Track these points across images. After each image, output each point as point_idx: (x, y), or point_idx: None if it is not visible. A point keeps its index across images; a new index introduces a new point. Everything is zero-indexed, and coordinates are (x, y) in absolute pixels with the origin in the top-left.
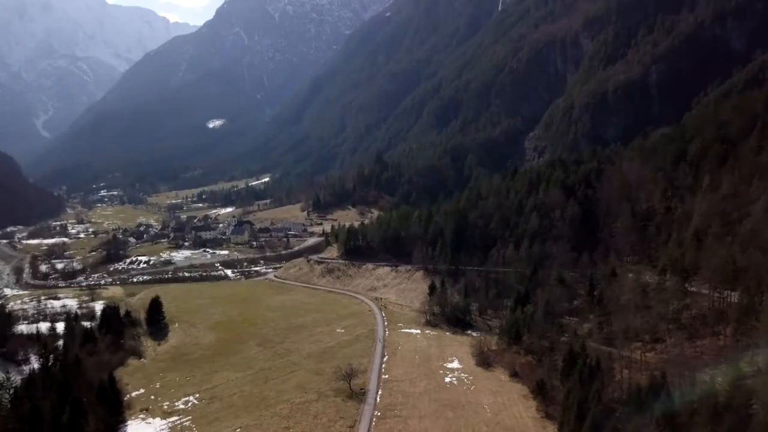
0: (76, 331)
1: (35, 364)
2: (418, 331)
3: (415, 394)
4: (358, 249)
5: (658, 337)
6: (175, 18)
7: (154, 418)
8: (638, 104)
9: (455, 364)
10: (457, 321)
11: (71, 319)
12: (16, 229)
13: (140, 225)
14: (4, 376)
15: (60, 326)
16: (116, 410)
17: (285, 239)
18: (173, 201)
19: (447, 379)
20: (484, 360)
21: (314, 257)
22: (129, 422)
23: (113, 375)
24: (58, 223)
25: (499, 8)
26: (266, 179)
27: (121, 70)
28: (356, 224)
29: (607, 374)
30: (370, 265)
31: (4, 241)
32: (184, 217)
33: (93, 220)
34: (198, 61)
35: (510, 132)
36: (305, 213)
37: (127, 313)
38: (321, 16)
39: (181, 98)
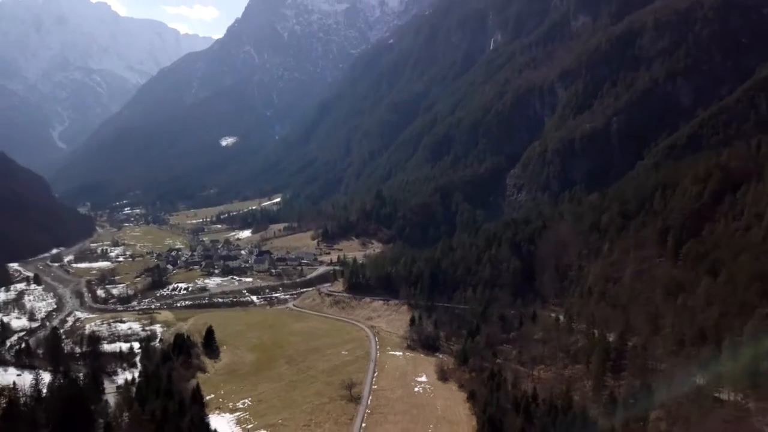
0: (150, 351)
1: (123, 375)
2: (401, 353)
3: (394, 398)
4: (358, 284)
5: (554, 362)
6: (185, 29)
7: (224, 413)
8: (600, 151)
9: (423, 378)
10: (429, 346)
11: (145, 340)
12: (59, 250)
13: (171, 250)
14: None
15: (134, 345)
16: (202, 408)
17: (299, 268)
18: (193, 221)
19: (416, 389)
20: (443, 375)
21: (324, 290)
22: (210, 416)
23: (198, 384)
24: (97, 245)
25: (491, 47)
26: (277, 199)
27: (134, 82)
28: (359, 254)
29: (516, 386)
30: (367, 299)
31: (56, 264)
32: (207, 240)
33: (125, 241)
34: (210, 78)
35: (494, 169)
36: (315, 242)
37: (188, 336)
38: (327, 36)
39: (195, 116)
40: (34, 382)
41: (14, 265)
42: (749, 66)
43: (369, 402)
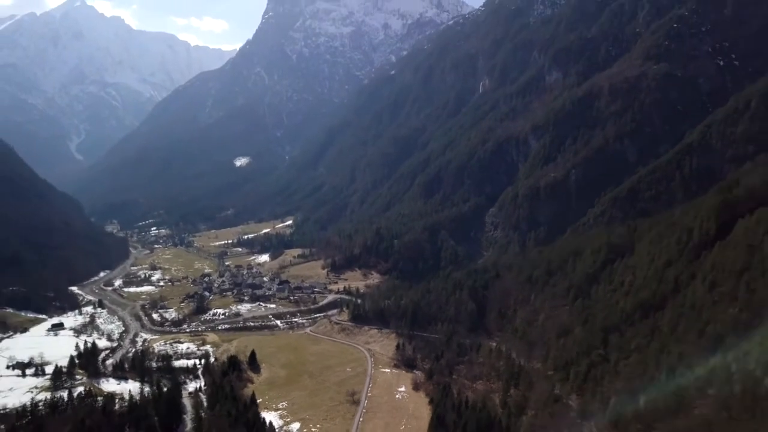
0: (211, 367)
1: (191, 385)
2: (389, 370)
3: (382, 402)
4: (359, 315)
5: (488, 379)
6: (195, 40)
7: (271, 411)
8: (561, 199)
9: (402, 389)
10: (409, 365)
11: (202, 357)
12: (106, 273)
13: (203, 275)
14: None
15: (195, 362)
16: (257, 408)
17: (313, 296)
18: (215, 243)
19: (397, 396)
20: (416, 387)
21: (334, 319)
22: (262, 413)
23: (253, 392)
24: (137, 268)
25: (480, 90)
26: (289, 222)
27: (147, 95)
28: (361, 284)
29: (460, 395)
30: (366, 327)
31: (109, 288)
32: (232, 265)
33: (161, 265)
34: (223, 98)
35: (476, 208)
36: (325, 271)
37: (235, 356)
38: (334, 58)
39: (210, 136)
40: (140, 390)
41: (74, 289)
42: (683, 130)
43: (365, 404)
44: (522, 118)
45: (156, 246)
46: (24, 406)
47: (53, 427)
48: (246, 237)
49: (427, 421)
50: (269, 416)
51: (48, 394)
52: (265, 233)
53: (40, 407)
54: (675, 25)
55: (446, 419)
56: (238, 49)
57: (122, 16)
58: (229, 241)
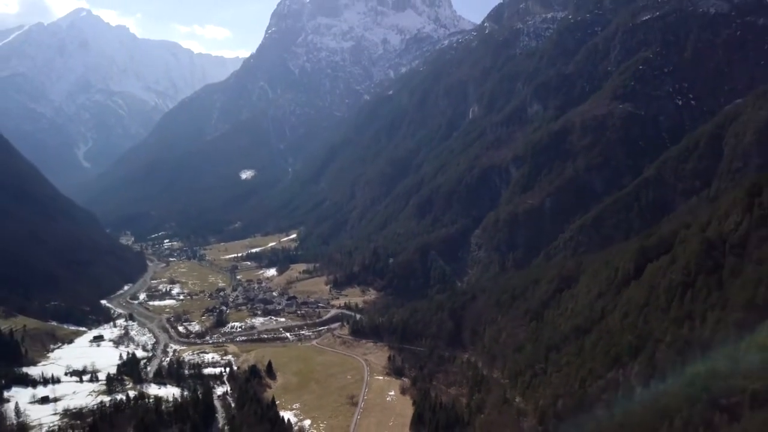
0: (236, 374)
1: (218, 390)
2: (382, 377)
3: (375, 404)
4: (358, 330)
5: (460, 385)
6: (198, 47)
7: (287, 411)
8: (536, 224)
9: (392, 393)
10: (398, 373)
11: (226, 366)
12: (129, 287)
13: (218, 290)
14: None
15: (220, 370)
16: (276, 408)
17: (317, 310)
18: (225, 256)
19: (387, 399)
20: (403, 391)
21: (336, 332)
22: (281, 413)
23: (273, 395)
24: (156, 281)
25: (470, 116)
26: (294, 235)
27: (152, 104)
28: (360, 300)
29: (436, 398)
30: (363, 341)
31: (135, 302)
32: (243, 279)
33: (178, 279)
34: (228, 111)
35: (463, 229)
36: (328, 287)
37: (255, 365)
38: (335, 72)
39: (216, 149)
40: (180, 393)
41: (103, 302)
42: (644, 165)
43: (362, 405)
44: (505, 147)
45: (171, 259)
46: (95, 406)
47: (120, 424)
48: (253, 251)
49: (410, 418)
50: (286, 415)
51: (107, 397)
52: (271, 247)
53: (105, 407)
54: (641, 67)
55: (424, 417)
56: (240, 57)
57: (127, 24)
58: (239, 255)
